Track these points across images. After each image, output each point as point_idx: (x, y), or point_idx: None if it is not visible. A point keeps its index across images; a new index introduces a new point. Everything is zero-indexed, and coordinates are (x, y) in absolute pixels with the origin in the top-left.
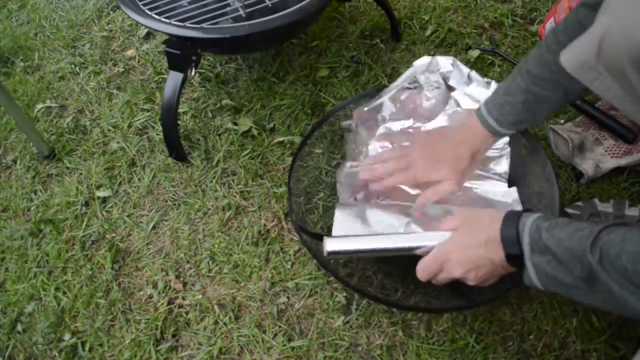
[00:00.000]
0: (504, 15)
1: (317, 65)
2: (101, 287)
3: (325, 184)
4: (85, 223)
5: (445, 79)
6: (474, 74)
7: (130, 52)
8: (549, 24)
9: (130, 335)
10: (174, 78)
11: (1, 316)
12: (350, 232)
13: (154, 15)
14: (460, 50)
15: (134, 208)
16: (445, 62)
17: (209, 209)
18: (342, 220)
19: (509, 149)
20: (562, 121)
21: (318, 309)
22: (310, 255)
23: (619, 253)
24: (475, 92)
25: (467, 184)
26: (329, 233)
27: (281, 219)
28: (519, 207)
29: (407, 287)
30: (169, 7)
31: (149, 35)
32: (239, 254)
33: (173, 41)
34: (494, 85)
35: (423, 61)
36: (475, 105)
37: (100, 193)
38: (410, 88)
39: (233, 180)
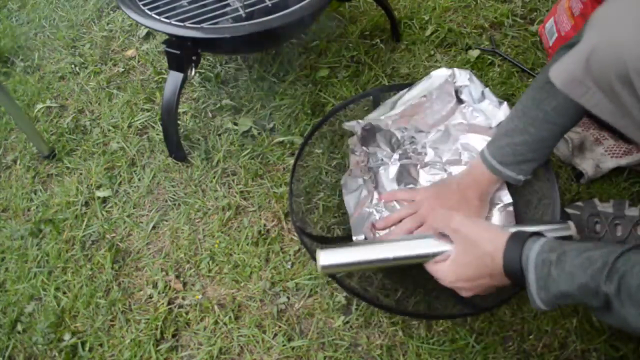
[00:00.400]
0: (504, 15)
1: (317, 65)
2: (101, 287)
3: (325, 184)
4: (85, 223)
5: (457, 91)
6: (487, 91)
7: (130, 52)
8: (549, 24)
9: (130, 335)
10: (174, 78)
11: (1, 316)
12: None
13: (154, 15)
14: (460, 50)
15: (134, 208)
16: (462, 76)
17: (209, 209)
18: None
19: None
20: None
21: (318, 309)
22: (310, 257)
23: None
24: (486, 109)
25: None
26: (328, 234)
27: (281, 219)
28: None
29: (407, 287)
30: (169, 7)
31: (149, 35)
32: (239, 254)
33: (173, 41)
34: (505, 107)
35: (441, 73)
36: (481, 121)
37: (100, 193)
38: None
39: (233, 180)
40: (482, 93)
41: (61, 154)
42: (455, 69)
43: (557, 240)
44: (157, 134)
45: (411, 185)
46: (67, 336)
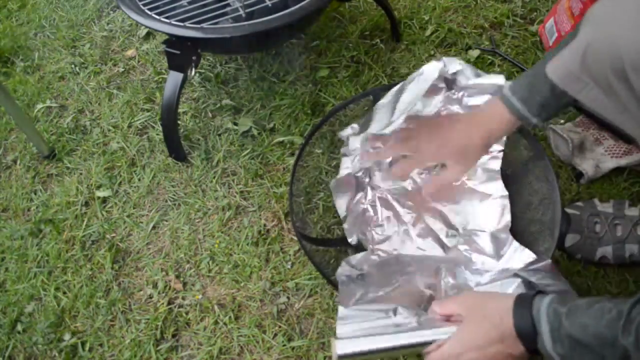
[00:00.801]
0: (504, 15)
1: (317, 65)
2: (101, 287)
3: (325, 184)
4: (85, 223)
5: (453, 80)
6: (482, 72)
7: (130, 52)
8: (549, 24)
9: (130, 335)
10: (174, 78)
11: (1, 316)
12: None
13: (154, 15)
14: (460, 50)
15: (134, 208)
16: (454, 63)
17: (209, 209)
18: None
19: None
20: (562, 121)
21: (318, 309)
22: (309, 259)
23: None
24: (484, 81)
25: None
26: (329, 234)
27: (281, 219)
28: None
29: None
30: (169, 7)
31: (149, 35)
32: (239, 254)
33: (173, 41)
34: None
35: (432, 66)
36: (474, 99)
37: (100, 193)
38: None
39: (233, 180)
40: (477, 73)
41: (61, 154)
42: (445, 58)
43: (564, 296)
44: (157, 134)
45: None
46: (67, 336)
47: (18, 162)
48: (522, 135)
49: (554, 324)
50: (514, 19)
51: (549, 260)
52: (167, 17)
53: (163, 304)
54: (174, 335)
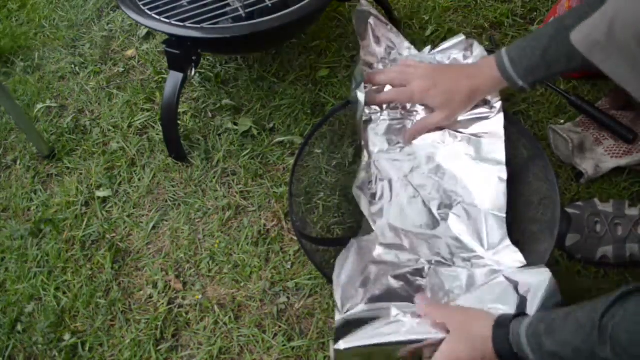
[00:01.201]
0: (504, 15)
1: (317, 65)
2: (101, 287)
3: (325, 184)
4: (85, 223)
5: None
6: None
7: (130, 52)
8: None
9: (130, 335)
10: (174, 78)
11: (1, 316)
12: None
13: (154, 15)
14: None
15: (134, 208)
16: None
17: (209, 209)
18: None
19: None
20: (562, 121)
21: (318, 309)
22: (309, 259)
23: (630, 340)
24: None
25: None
26: (329, 234)
27: (281, 219)
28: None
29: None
30: (169, 7)
31: (149, 35)
32: (239, 254)
33: (173, 41)
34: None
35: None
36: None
37: (100, 193)
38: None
39: (233, 180)
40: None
41: (61, 154)
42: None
43: (541, 313)
44: (157, 134)
45: (400, 144)
46: (67, 336)
47: (18, 162)
48: (522, 135)
49: (534, 346)
50: (514, 19)
51: (544, 267)
52: (167, 17)
53: (163, 304)
54: (174, 335)
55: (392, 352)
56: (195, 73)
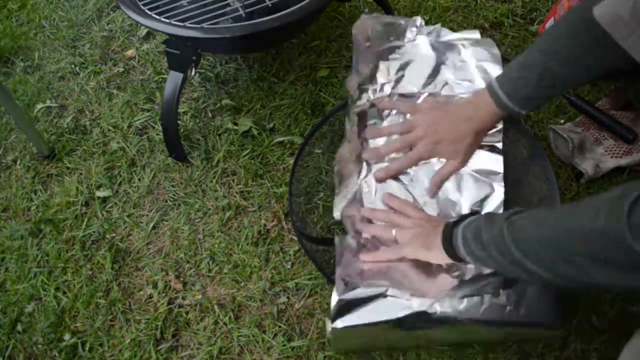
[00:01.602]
0: (504, 15)
1: (317, 65)
2: (101, 287)
3: (325, 184)
4: (85, 223)
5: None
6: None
7: (130, 52)
8: (549, 24)
9: (130, 335)
10: (174, 78)
11: (1, 316)
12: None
13: (154, 15)
14: None
15: (134, 208)
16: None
17: (209, 209)
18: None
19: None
20: (562, 121)
21: (318, 309)
22: (309, 258)
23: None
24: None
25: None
26: (329, 233)
27: (281, 219)
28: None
29: None
30: (169, 7)
31: (149, 35)
32: (239, 254)
33: (173, 41)
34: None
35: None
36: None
37: (100, 193)
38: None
39: (233, 180)
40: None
41: (61, 154)
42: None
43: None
44: (157, 134)
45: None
46: (67, 336)
47: (18, 162)
48: (522, 135)
49: (466, 249)
50: (514, 19)
51: None
52: (167, 17)
53: (163, 304)
54: (174, 335)
55: (390, 332)
56: (195, 73)
